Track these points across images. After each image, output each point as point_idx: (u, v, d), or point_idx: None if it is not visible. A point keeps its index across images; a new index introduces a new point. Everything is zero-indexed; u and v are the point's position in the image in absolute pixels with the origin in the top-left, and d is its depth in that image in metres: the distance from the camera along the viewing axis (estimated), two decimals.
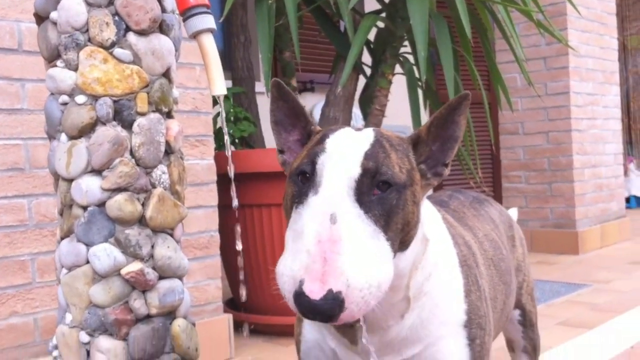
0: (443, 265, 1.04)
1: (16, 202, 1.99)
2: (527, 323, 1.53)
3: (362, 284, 0.78)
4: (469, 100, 0.93)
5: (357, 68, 3.12)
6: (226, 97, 3.15)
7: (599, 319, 2.89)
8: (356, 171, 0.86)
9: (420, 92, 3.17)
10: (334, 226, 0.80)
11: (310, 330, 1.10)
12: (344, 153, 0.88)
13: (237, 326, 2.78)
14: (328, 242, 0.78)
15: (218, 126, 3.16)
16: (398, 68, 3.16)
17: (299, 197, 0.88)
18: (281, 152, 1.07)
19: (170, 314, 1.21)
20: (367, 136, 0.94)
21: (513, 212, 1.70)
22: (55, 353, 1.21)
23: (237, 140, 3.16)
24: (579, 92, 4.77)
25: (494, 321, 1.22)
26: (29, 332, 2.00)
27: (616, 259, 4.43)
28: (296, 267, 0.80)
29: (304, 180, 0.89)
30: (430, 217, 1.04)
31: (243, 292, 2.06)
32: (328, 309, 0.76)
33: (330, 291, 0.76)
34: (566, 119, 4.69)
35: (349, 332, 1.03)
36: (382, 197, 0.86)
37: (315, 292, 0.76)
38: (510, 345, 1.57)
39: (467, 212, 1.35)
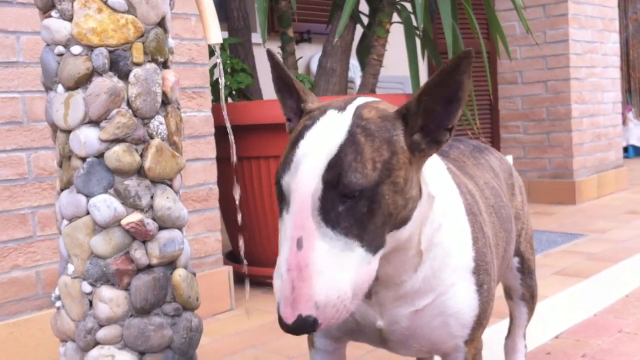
0: (451, 214, 1.04)
1: (15, 156, 1.99)
2: (526, 270, 1.55)
3: (333, 301, 0.82)
4: (472, 58, 0.87)
5: (354, 17, 3.09)
6: (222, 48, 3.12)
7: (595, 268, 2.92)
8: (318, 187, 0.84)
9: (418, 41, 3.14)
10: (300, 252, 0.82)
11: None
12: (307, 167, 0.85)
13: (237, 278, 2.81)
14: (295, 270, 0.81)
15: (215, 78, 3.14)
16: (395, 17, 3.12)
17: (280, 208, 0.90)
18: (288, 119, 1.06)
19: (170, 264, 1.22)
20: (341, 129, 0.88)
21: (508, 159, 1.70)
22: (58, 303, 1.22)
23: (234, 92, 3.14)
24: (578, 39, 4.73)
25: (497, 267, 1.24)
26: (31, 285, 2.02)
27: (613, 209, 4.45)
28: (276, 288, 0.84)
29: (279, 193, 0.90)
30: (434, 170, 1.04)
31: (244, 263, 2.07)
32: (302, 330, 0.81)
33: (299, 316, 0.81)
34: (565, 68, 4.66)
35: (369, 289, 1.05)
36: (350, 207, 0.84)
37: (288, 317, 0.81)
38: (508, 293, 1.59)
39: (467, 161, 1.35)
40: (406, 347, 1.14)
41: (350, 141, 0.85)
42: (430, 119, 0.91)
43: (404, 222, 0.93)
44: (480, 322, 1.10)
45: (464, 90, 0.89)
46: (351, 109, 0.91)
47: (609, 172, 5.06)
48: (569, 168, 4.70)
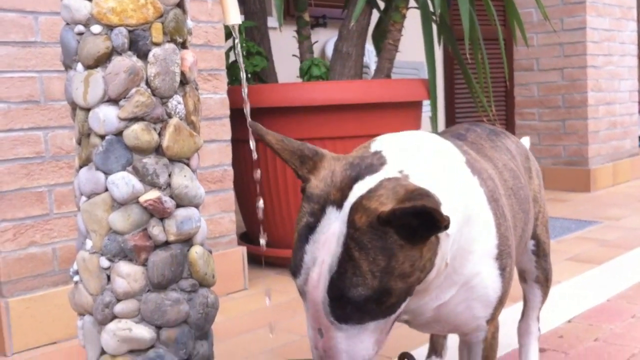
0: (473, 209, 1.05)
1: (32, 135, 2.01)
2: (541, 253, 1.55)
3: None
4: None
5: (371, 2, 3.08)
6: (239, 31, 3.13)
7: (608, 254, 2.92)
8: (326, 299, 0.91)
9: (434, 26, 3.14)
10: (323, 339, 0.94)
11: None
12: (314, 279, 0.92)
13: (251, 259, 2.83)
14: (322, 350, 0.94)
15: (231, 60, 3.15)
16: (412, 2, 3.11)
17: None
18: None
19: (187, 241, 1.24)
20: (338, 241, 0.90)
21: (525, 141, 1.70)
22: (76, 278, 1.24)
23: (249, 75, 3.15)
24: (596, 27, 4.70)
25: (516, 249, 1.26)
26: (48, 262, 2.05)
27: (627, 197, 4.44)
28: (313, 356, 0.98)
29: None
30: (451, 175, 1.03)
31: (263, 242, 2.09)
32: None
33: None
34: (582, 55, 4.64)
35: None
36: (357, 308, 0.91)
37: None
38: (523, 276, 1.60)
39: (485, 144, 1.35)
40: (429, 328, 1.17)
41: (347, 257, 0.90)
42: (418, 219, 0.90)
43: (429, 271, 0.97)
44: (502, 301, 1.13)
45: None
46: (346, 209, 0.92)
47: (624, 161, 5.04)
48: (584, 156, 4.68)
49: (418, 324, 1.15)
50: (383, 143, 1.03)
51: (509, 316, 1.93)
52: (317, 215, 0.94)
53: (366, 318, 0.92)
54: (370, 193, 0.92)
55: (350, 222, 0.90)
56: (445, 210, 0.95)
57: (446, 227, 0.88)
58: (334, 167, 0.98)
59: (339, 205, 0.93)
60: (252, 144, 1.46)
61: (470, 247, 1.05)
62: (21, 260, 2.00)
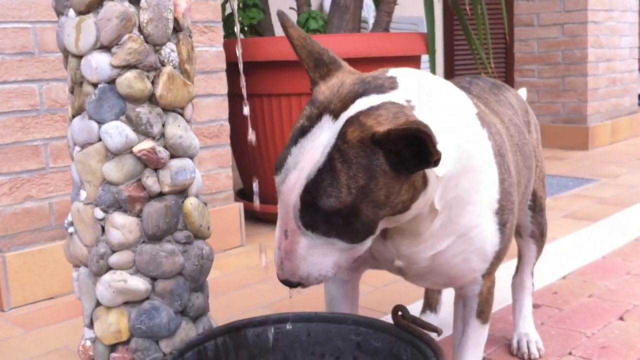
0: (479, 162, 1.03)
1: (27, 87, 1.98)
2: (537, 208, 1.54)
3: (314, 276, 0.97)
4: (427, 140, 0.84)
5: None
6: None
7: (605, 211, 2.91)
8: (297, 203, 0.92)
9: None
10: (287, 241, 0.95)
11: None
12: (291, 181, 0.92)
13: (248, 215, 2.83)
14: (284, 251, 0.96)
15: (227, 13, 3.09)
16: None
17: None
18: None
19: (182, 193, 1.23)
20: (324, 150, 0.90)
21: (522, 92, 1.68)
22: (71, 229, 1.23)
23: (246, 28, 3.10)
24: None
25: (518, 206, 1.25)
26: (44, 216, 2.04)
27: (625, 155, 4.42)
28: (274, 253, 1.00)
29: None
30: (462, 119, 1.01)
31: (257, 203, 2.09)
32: (290, 286, 0.99)
33: (287, 279, 0.98)
34: (582, 11, 4.58)
35: (383, 231, 1.08)
36: (327, 218, 0.91)
37: (279, 276, 0.99)
38: (518, 231, 1.59)
39: (490, 98, 1.33)
40: (424, 280, 1.16)
41: (328, 166, 0.89)
42: (409, 150, 0.89)
43: (400, 212, 0.95)
44: (500, 256, 1.12)
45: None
46: (342, 121, 0.91)
47: (623, 118, 5.02)
48: (583, 113, 4.65)
49: (413, 275, 1.14)
50: (401, 72, 1.00)
51: (504, 272, 1.93)
52: (313, 121, 0.93)
53: (332, 232, 0.93)
54: (371, 110, 0.91)
55: (342, 134, 0.90)
56: (442, 150, 0.92)
57: (436, 163, 0.87)
58: (345, 79, 0.97)
59: (336, 115, 0.92)
60: (245, 109, 1.43)
61: (470, 197, 1.04)
62: (17, 215, 1.98)
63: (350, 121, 0.90)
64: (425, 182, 0.95)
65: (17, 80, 1.96)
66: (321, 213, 0.91)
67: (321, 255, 0.95)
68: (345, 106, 0.92)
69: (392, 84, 0.95)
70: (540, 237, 1.59)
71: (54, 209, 2.06)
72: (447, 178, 0.98)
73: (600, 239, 2.49)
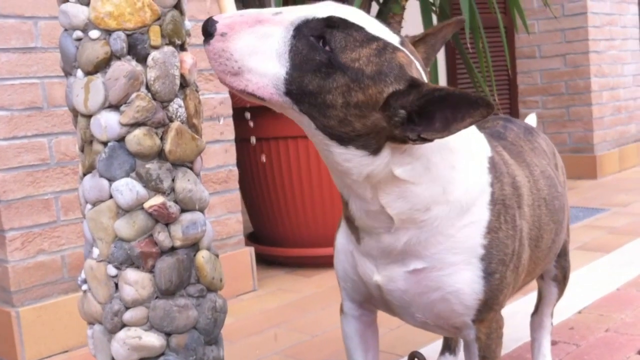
0: (457, 200, 1.04)
1: (36, 141, 2.00)
2: (561, 252, 1.53)
3: (232, 51, 0.94)
4: (489, 111, 0.89)
5: None
6: None
7: (618, 242, 2.90)
8: (318, 16, 0.94)
9: (434, 17, 3.12)
10: (255, 21, 0.94)
11: (340, 236, 1.19)
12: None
13: (259, 259, 2.83)
14: (245, 21, 0.94)
15: None
16: None
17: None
18: None
19: (193, 246, 1.23)
20: (380, 25, 0.97)
21: (532, 118, 1.68)
22: (84, 287, 1.23)
23: None
24: (597, 12, 4.67)
25: (538, 259, 1.25)
26: (57, 269, 2.05)
27: (635, 182, 4.41)
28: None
29: None
30: (469, 160, 1.05)
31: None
32: (205, 26, 0.96)
33: (213, 21, 0.95)
34: (584, 41, 4.61)
35: (355, 230, 1.10)
36: (309, 45, 0.93)
37: (211, 22, 0.96)
38: (540, 274, 1.58)
39: (525, 146, 1.34)
40: (411, 315, 1.15)
41: (376, 37, 0.96)
42: (422, 114, 0.93)
43: (339, 138, 0.96)
44: (490, 306, 1.10)
45: (461, 125, 0.91)
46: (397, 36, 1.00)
47: (630, 146, 5.01)
48: (590, 142, 4.65)
49: (398, 304, 1.13)
50: None
51: (521, 308, 1.92)
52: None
53: (299, 58, 0.93)
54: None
55: (402, 40, 1.01)
56: (432, 182, 0.99)
57: (417, 139, 0.92)
58: None
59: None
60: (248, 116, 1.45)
61: (443, 229, 1.04)
62: (30, 269, 1.99)
63: (404, 42, 1.01)
64: (379, 148, 0.96)
65: (26, 135, 1.98)
66: (320, 39, 0.93)
67: (263, 61, 0.94)
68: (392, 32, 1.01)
69: None
70: (562, 281, 1.58)
71: (66, 261, 2.07)
72: (402, 187, 0.99)
73: (613, 270, 2.48)
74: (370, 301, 1.20)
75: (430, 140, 0.93)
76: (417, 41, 1.10)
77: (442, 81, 5.27)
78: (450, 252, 1.06)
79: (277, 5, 2.73)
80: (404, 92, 0.93)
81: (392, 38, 0.98)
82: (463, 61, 3.22)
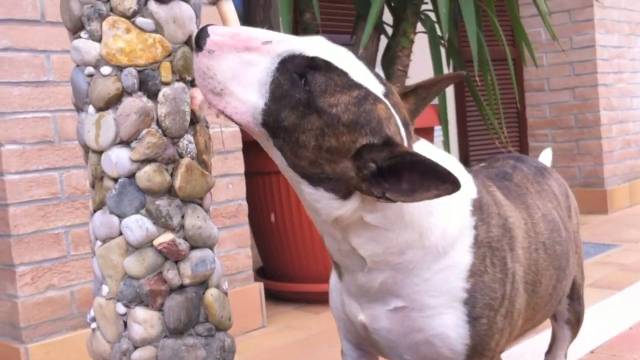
0: (434, 244, 1.02)
1: (47, 175, 2.00)
2: (575, 295, 1.50)
3: (216, 71, 0.94)
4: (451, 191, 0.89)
5: (378, 28, 3.08)
6: None
7: (629, 279, 2.86)
8: (305, 53, 0.93)
9: (442, 50, 3.13)
10: (246, 43, 0.94)
11: (333, 274, 1.18)
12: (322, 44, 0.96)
13: (268, 294, 2.80)
14: (236, 43, 0.94)
15: None
16: (420, 27, 3.11)
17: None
18: None
19: (202, 284, 1.22)
20: (366, 73, 0.96)
21: (547, 154, 1.66)
22: (93, 325, 1.22)
23: None
24: (605, 45, 4.68)
25: (538, 306, 1.21)
26: (66, 305, 2.04)
27: None
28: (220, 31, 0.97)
29: None
30: (444, 201, 1.02)
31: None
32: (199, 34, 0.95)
33: (206, 34, 0.94)
34: (592, 74, 4.61)
35: (337, 266, 1.10)
36: (290, 81, 0.92)
37: (210, 30, 0.95)
38: (553, 316, 1.55)
39: (531, 188, 1.31)
40: (399, 356, 1.13)
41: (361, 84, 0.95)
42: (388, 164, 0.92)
43: (310, 178, 0.95)
44: (479, 352, 1.07)
45: (426, 195, 0.90)
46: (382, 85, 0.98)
47: None
48: (600, 176, 4.63)
49: (385, 345, 1.11)
50: (417, 144, 1.03)
51: (534, 348, 1.89)
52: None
53: (278, 90, 0.92)
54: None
55: (386, 84, 1.00)
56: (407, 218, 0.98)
57: (382, 197, 0.91)
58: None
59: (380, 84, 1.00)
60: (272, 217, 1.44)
61: (418, 272, 1.02)
62: (39, 305, 1.98)
63: (389, 87, 1.01)
64: (349, 194, 0.95)
65: (37, 169, 1.99)
66: (302, 77, 0.92)
67: (244, 88, 0.94)
68: (378, 80, 1.01)
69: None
70: (576, 324, 1.55)
71: (75, 297, 2.05)
72: (374, 231, 0.98)
73: (625, 309, 2.44)
74: (361, 342, 1.18)
75: (394, 201, 0.92)
76: (408, 92, 1.08)
77: (452, 115, 5.28)
78: (427, 294, 1.04)
79: (285, 20, 2.73)
80: (378, 147, 0.92)
81: (376, 87, 0.97)
82: (472, 94, 3.22)
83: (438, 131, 3.40)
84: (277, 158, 0.97)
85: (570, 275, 1.35)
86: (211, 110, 1.01)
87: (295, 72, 0.92)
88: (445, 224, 1.03)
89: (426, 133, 2.97)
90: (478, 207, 1.08)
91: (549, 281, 1.23)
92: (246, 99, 0.94)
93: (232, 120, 0.97)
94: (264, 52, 0.94)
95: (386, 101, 0.96)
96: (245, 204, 2.52)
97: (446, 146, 3.12)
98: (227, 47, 0.94)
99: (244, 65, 0.94)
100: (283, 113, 0.92)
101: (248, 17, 3.34)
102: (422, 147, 1.03)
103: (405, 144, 0.96)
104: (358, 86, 0.94)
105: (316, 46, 0.95)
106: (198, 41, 0.95)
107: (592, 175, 4.67)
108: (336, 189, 0.95)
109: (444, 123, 3.02)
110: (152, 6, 1.17)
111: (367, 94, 0.94)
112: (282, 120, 0.92)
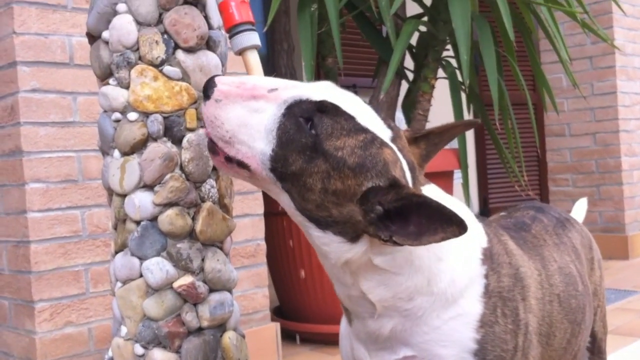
0: (442, 292, 1.02)
1: (70, 214, 2.04)
2: (596, 350, 1.47)
3: (223, 120, 0.96)
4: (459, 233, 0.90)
5: (400, 73, 3.12)
6: None
7: None
8: (312, 98, 0.94)
9: (463, 95, 3.16)
10: (252, 93, 0.96)
11: (343, 320, 1.17)
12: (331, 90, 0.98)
13: (285, 334, 2.80)
14: (242, 92, 0.97)
15: None
16: (440, 72, 3.14)
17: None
18: None
19: (220, 327, 1.23)
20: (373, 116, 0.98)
21: (582, 203, 1.64)
22: None
23: None
24: (626, 91, 4.68)
25: (551, 358, 1.19)
26: (84, 342, 2.05)
27: None
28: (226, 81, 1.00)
29: None
30: (455, 250, 1.03)
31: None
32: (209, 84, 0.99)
33: (214, 84, 0.98)
34: (613, 120, 4.61)
35: (347, 312, 1.09)
36: (297, 125, 0.93)
37: (216, 80, 0.99)
38: None
39: (549, 240, 1.29)
40: None
41: (366, 126, 0.96)
42: (395, 207, 0.93)
43: (317, 222, 0.96)
44: None
45: (433, 238, 0.91)
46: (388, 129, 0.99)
47: None
48: (621, 222, 4.59)
49: None
50: (427, 188, 1.04)
51: None
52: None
53: (285, 136, 0.94)
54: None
55: (395, 132, 1.01)
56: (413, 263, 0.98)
57: (389, 240, 0.91)
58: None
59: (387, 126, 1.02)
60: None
61: (427, 319, 1.01)
62: (57, 341, 2.00)
63: (396, 131, 1.03)
64: (357, 237, 0.96)
65: (60, 207, 2.02)
66: (308, 121, 0.93)
67: (252, 135, 0.95)
68: (386, 123, 1.02)
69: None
70: None
71: (92, 334, 2.07)
72: (384, 275, 0.98)
73: None
74: None
75: (401, 245, 0.92)
76: (419, 137, 1.09)
77: (471, 158, 5.29)
78: (437, 344, 1.02)
79: (308, 64, 2.77)
80: (384, 189, 0.93)
81: (383, 132, 0.98)
82: (492, 139, 3.24)
83: (458, 174, 3.40)
84: (286, 202, 0.98)
85: (587, 330, 1.33)
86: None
87: (302, 116, 0.94)
88: (454, 271, 1.02)
89: (446, 177, 2.98)
90: (488, 256, 1.07)
91: (564, 334, 1.21)
92: (254, 146, 0.96)
93: (244, 164, 0.98)
94: (271, 100, 0.96)
95: (393, 145, 0.97)
96: (263, 244, 2.54)
97: (465, 190, 3.13)
98: (233, 96, 0.97)
99: (251, 113, 0.96)
100: (290, 158, 0.94)
101: (272, 62, 3.40)
102: (431, 191, 1.03)
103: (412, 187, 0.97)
104: (365, 130, 0.95)
105: (323, 91, 0.97)
106: (206, 91, 0.98)
107: (613, 221, 4.64)
108: (344, 232, 0.96)
109: (464, 167, 3.04)
110: (180, 55, 1.21)
111: (374, 138, 0.95)
112: (290, 164, 0.94)
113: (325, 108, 0.94)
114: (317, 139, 0.93)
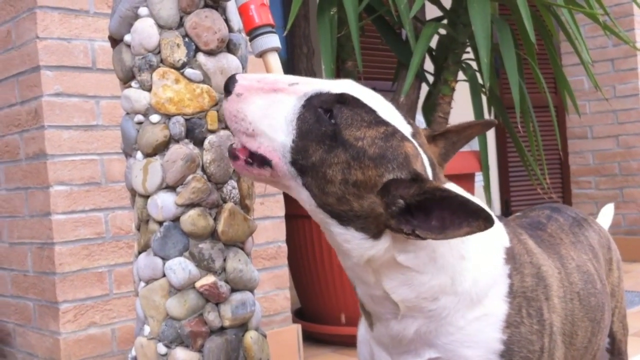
0: (467, 291, 1.01)
1: (93, 216, 2.07)
2: (616, 352, 1.46)
3: (246, 113, 0.98)
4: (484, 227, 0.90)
5: (420, 76, 3.12)
6: None
7: None
8: (332, 91, 0.96)
9: (483, 98, 3.15)
10: (273, 89, 0.98)
11: (361, 325, 1.16)
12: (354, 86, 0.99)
13: (306, 336, 2.81)
14: (264, 86, 0.99)
15: None
16: (461, 75, 3.14)
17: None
18: None
19: (242, 326, 1.25)
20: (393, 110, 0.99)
21: (609, 209, 1.63)
22: None
23: None
24: None
25: (573, 358, 1.18)
26: (107, 343, 2.08)
27: None
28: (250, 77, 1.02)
29: None
30: (477, 250, 1.02)
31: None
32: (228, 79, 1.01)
33: (235, 80, 1.00)
34: (636, 122, 4.57)
35: (368, 316, 1.08)
36: (316, 116, 0.95)
37: (237, 77, 1.01)
38: None
39: (565, 239, 1.29)
40: None
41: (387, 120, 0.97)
42: (417, 201, 0.93)
43: (339, 217, 0.96)
44: None
45: (458, 232, 0.91)
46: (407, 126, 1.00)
47: None
48: None
49: None
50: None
51: None
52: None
53: (306, 126, 0.95)
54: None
55: (413, 126, 1.02)
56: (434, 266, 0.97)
57: (411, 234, 0.91)
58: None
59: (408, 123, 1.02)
60: None
61: (452, 320, 1.01)
62: (80, 342, 2.02)
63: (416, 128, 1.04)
64: (380, 233, 0.95)
65: (84, 209, 2.05)
66: (328, 113, 0.94)
67: (273, 127, 0.96)
68: (406, 121, 1.04)
69: None
70: None
71: (116, 334, 2.09)
72: (407, 274, 0.97)
73: None
74: None
75: (424, 238, 0.92)
76: (437, 135, 1.09)
77: (493, 160, 5.26)
78: (462, 345, 1.01)
79: (328, 68, 2.78)
80: (405, 182, 0.93)
81: (404, 127, 0.98)
82: (513, 142, 3.22)
83: (479, 176, 3.39)
84: (306, 200, 0.98)
85: (606, 329, 1.32)
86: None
87: (322, 107, 0.95)
88: (478, 270, 1.02)
89: (467, 179, 2.98)
90: (511, 256, 1.06)
91: (585, 333, 1.20)
92: (274, 137, 0.97)
93: (265, 159, 0.99)
94: (291, 92, 0.98)
95: (413, 141, 0.98)
96: (284, 246, 2.55)
97: (487, 192, 3.12)
98: (255, 89, 0.98)
99: (272, 105, 0.97)
100: (310, 148, 0.94)
101: (292, 65, 3.41)
102: (452, 189, 1.03)
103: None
104: (385, 123, 0.95)
105: (344, 86, 0.98)
106: (227, 87, 0.99)
107: (636, 223, 4.59)
108: (366, 228, 0.95)
109: (485, 169, 3.03)
110: (201, 58, 1.23)
111: (395, 131, 0.95)
112: (310, 155, 0.94)
113: (345, 100, 0.95)
114: (336, 128, 0.93)
